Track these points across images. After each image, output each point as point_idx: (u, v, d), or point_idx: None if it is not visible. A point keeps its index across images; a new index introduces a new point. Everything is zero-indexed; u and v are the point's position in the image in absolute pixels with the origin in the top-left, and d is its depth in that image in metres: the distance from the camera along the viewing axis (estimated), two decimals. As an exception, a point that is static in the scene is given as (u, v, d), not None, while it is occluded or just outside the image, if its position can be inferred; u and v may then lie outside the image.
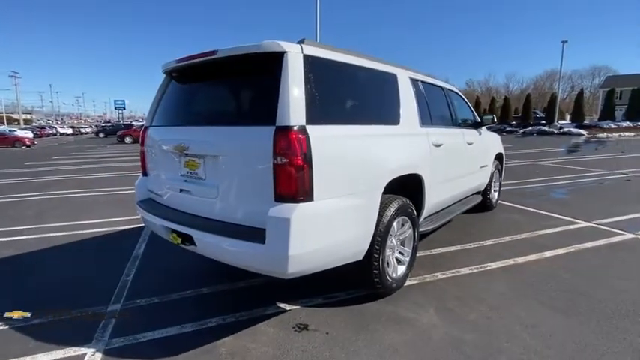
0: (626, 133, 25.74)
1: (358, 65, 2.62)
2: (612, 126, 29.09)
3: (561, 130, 27.43)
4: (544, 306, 2.65)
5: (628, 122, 29.39)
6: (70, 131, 47.60)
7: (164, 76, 2.93)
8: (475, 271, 3.28)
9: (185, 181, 2.52)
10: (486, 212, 5.28)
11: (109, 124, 42.64)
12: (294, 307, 2.69)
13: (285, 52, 2.07)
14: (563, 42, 29.56)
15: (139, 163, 3.13)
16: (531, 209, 5.46)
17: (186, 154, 2.46)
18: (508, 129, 29.75)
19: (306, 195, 1.98)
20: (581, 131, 26.58)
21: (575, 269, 3.27)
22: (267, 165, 2.01)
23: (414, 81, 3.30)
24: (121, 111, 58.17)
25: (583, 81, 73.66)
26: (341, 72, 2.45)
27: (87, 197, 6.97)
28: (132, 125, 31.98)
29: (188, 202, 2.51)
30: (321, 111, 2.13)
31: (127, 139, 25.96)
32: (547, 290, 2.88)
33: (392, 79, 2.98)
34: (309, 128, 2.01)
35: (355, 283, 2.89)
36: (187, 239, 2.35)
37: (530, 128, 29.53)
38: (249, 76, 2.34)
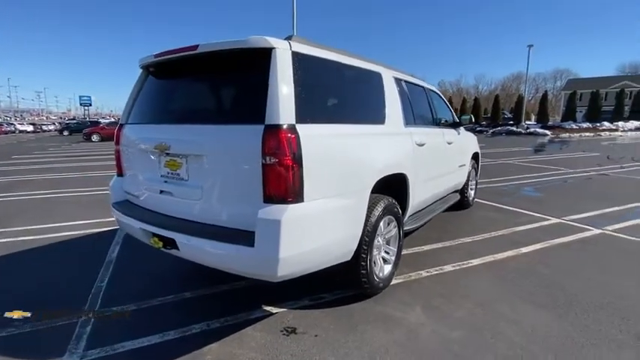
0: (587, 134, 27.25)
1: (345, 63, 2.59)
2: (574, 127, 30.71)
3: (528, 130, 28.66)
4: (525, 302, 2.72)
5: (588, 123, 31.14)
6: (30, 128, 44.96)
7: (140, 71, 2.79)
8: (457, 268, 3.34)
9: (165, 181, 2.39)
10: (464, 210, 5.41)
11: (74, 121, 40.51)
12: (281, 309, 2.63)
13: (274, 47, 2.01)
14: (530, 46, 30.90)
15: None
16: (505, 207, 5.64)
17: (167, 154, 2.34)
18: (479, 129, 30.75)
19: (297, 196, 1.93)
20: (546, 131, 27.89)
21: (551, 264, 3.39)
22: (256, 165, 1.94)
23: (398, 80, 3.32)
24: (86, 107, 55.45)
25: (546, 83, 77.48)
26: (329, 70, 2.41)
27: (53, 199, 6.57)
28: (99, 122, 30.52)
29: (169, 203, 2.39)
30: (309, 109, 2.08)
31: (94, 137, 24.80)
32: (526, 286, 2.97)
33: (377, 78, 2.98)
34: (299, 127, 1.96)
35: (342, 283, 2.86)
36: (169, 243, 2.24)
37: (499, 128, 30.69)
38: (234, 72, 2.25)
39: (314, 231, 2.06)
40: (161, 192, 2.41)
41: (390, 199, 2.79)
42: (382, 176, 2.61)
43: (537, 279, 3.09)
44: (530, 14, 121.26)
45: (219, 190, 2.16)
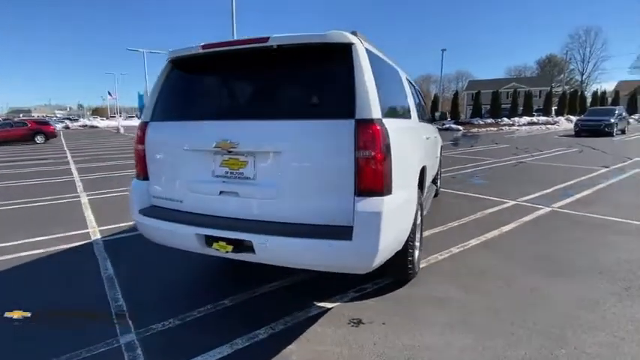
0: (491, 128, 31.25)
1: (386, 61, 2.70)
2: (480, 122, 34.98)
3: (444, 126, 31.79)
4: (532, 271, 3.16)
5: (491, 119, 35.76)
6: None
7: (168, 64, 2.53)
8: (462, 249, 3.70)
9: (224, 182, 2.24)
10: (434, 199, 5.92)
11: None
12: (334, 304, 2.66)
13: (353, 43, 2.04)
14: (443, 50, 34.40)
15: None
16: (464, 193, 6.30)
17: (230, 152, 2.19)
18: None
19: (388, 188, 1.99)
20: (459, 127, 31.28)
21: (532, 239, 3.95)
22: (347, 159, 1.96)
23: (407, 79, 3.54)
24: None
25: (451, 84, 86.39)
26: (381, 67, 2.49)
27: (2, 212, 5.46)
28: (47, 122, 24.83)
29: (233, 205, 2.24)
30: (382, 104, 2.15)
31: (39, 138, 20.75)
32: (525, 259, 3.43)
33: (399, 76, 3.15)
34: (384, 120, 2.02)
35: (379, 272, 2.98)
36: (242, 246, 2.11)
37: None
38: (310, 66, 2.21)
39: (395, 222, 2.14)
40: (221, 193, 2.25)
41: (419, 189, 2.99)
42: (420, 167, 2.79)
43: (529, 252, 3.58)
44: (434, 19, 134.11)
45: (301, 187, 2.11)
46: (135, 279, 3.15)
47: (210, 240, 2.21)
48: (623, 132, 20.37)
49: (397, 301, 2.69)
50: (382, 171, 1.96)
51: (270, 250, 2.04)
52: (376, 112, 1.98)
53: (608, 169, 8.58)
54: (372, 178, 1.95)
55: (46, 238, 4.20)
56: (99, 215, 5.16)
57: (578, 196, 5.95)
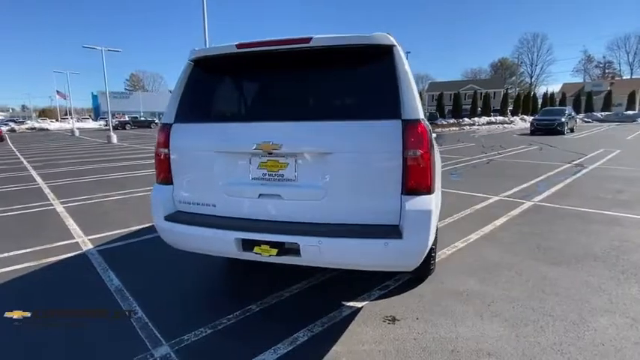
0: (453, 128, 32.72)
1: None
2: (444, 122, 36.52)
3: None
4: (536, 261, 3.37)
5: (453, 119, 37.48)
6: None
7: (190, 64, 2.44)
8: (466, 244, 3.86)
9: (263, 184, 2.20)
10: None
11: None
12: (363, 302, 2.68)
13: (395, 45, 2.07)
14: (407, 52, 35.52)
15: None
16: (449, 190, 6.56)
17: (270, 154, 2.15)
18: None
19: (432, 186, 2.05)
20: (424, 127, 32.46)
21: (525, 231, 4.21)
22: (395, 159, 1.99)
23: None
24: None
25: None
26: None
27: None
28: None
29: (274, 207, 2.20)
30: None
31: None
32: (525, 249, 3.64)
33: None
34: (424, 121, 2.08)
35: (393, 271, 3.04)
36: (288, 249, 2.08)
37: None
38: (353, 67, 2.22)
39: (435, 220, 2.20)
40: (260, 196, 2.20)
41: None
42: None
43: (527, 243, 3.82)
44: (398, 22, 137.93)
45: (347, 188, 2.11)
46: (146, 289, 2.99)
47: (249, 244, 2.15)
48: (572, 130, 22.10)
49: (421, 296, 2.77)
50: (429, 170, 2.02)
51: (321, 252, 2.03)
52: (420, 113, 2.03)
53: (569, 164, 9.29)
54: (419, 177, 2.00)
55: (31, 250, 3.87)
56: (83, 224, 4.82)
57: (553, 190, 6.40)
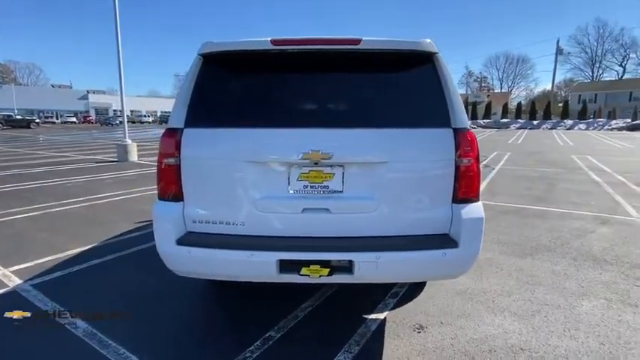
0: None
1: None
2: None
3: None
4: (507, 255, 3.74)
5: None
6: None
7: (203, 60, 2.07)
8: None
9: (305, 197, 1.97)
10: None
11: None
12: (383, 313, 2.63)
13: (437, 52, 2.06)
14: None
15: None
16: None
17: (316, 164, 1.94)
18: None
19: (479, 194, 2.09)
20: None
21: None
22: (448, 167, 1.98)
23: None
24: None
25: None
26: None
27: None
28: None
29: (322, 223, 1.99)
30: None
31: None
32: (493, 245, 4.02)
33: None
34: (472, 129, 2.11)
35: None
36: (339, 267, 1.90)
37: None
38: (400, 72, 2.11)
39: None
40: (304, 210, 1.96)
41: None
42: None
43: (487, 238, 4.22)
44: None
45: (399, 198, 2.01)
46: (130, 327, 2.46)
47: (293, 265, 1.92)
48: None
49: (432, 299, 2.83)
50: (478, 178, 2.06)
51: (377, 267, 1.90)
52: (467, 122, 2.06)
53: (481, 163, 10.65)
54: (470, 185, 2.02)
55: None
56: (-8, 253, 3.78)
57: (480, 188, 7.23)
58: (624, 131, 33.42)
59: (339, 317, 2.59)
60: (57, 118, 56.11)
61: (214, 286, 3.05)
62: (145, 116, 59.63)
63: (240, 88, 2.15)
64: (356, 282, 2.04)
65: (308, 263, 1.90)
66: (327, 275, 1.92)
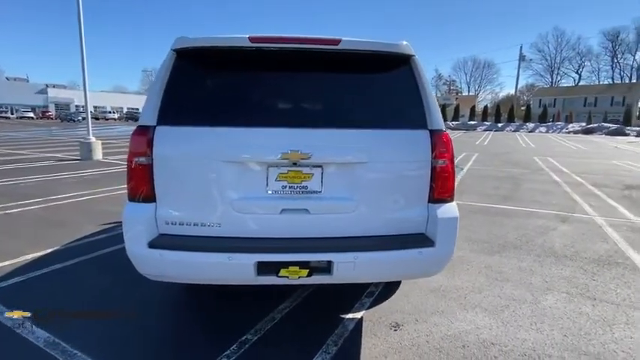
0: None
1: None
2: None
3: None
4: (476, 252, 3.87)
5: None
6: None
7: (176, 55, 1.99)
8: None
9: (283, 198, 1.94)
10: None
11: None
12: (360, 313, 2.65)
13: (413, 55, 2.09)
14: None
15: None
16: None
17: (294, 164, 1.91)
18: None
19: (454, 194, 2.14)
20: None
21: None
22: (424, 168, 2.01)
23: None
24: None
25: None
26: None
27: None
28: None
29: (300, 224, 1.96)
30: None
31: None
32: (462, 243, 4.15)
33: None
34: (447, 131, 2.16)
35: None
36: (318, 268, 1.89)
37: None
38: (377, 74, 2.12)
39: None
40: (283, 211, 1.93)
41: None
42: None
43: (460, 236, 4.36)
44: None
45: (376, 198, 2.02)
46: (99, 334, 2.33)
47: (272, 267, 1.89)
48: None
49: (407, 297, 2.89)
50: (453, 178, 2.11)
51: (355, 267, 1.90)
52: (443, 124, 2.11)
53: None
54: (445, 186, 2.07)
55: None
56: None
57: (452, 188, 7.46)
58: (580, 134, 35.64)
59: (317, 318, 2.58)
60: (12, 113, 52.52)
61: (187, 289, 2.96)
62: (110, 112, 56.98)
63: (215, 85, 2.10)
64: (334, 282, 2.04)
65: (287, 265, 1.88)
66: (307, 276, 1.90)
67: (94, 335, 2.35)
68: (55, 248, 3.79)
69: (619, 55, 68.83)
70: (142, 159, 1.94)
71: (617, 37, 66.90)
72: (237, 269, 1.88)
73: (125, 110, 66.76)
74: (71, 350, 2.17)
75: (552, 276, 3.32)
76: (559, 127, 41.61)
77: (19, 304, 2.66)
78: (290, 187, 1.97)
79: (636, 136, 31.33)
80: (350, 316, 2.61)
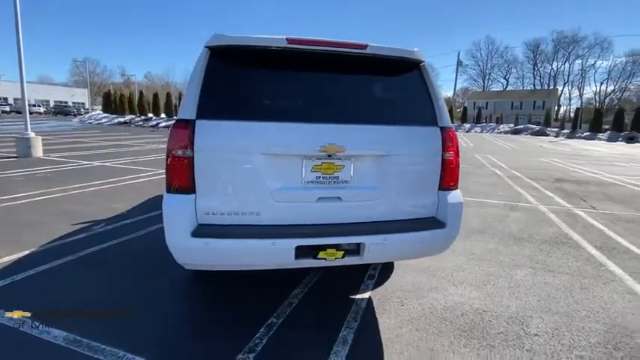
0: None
1: None
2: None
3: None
4: (450, 238, 4.33)
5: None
6: None
7: (213, 53, 2.06)
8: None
9: (319, 188, 2.12)
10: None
11: None
12: (366, 293, 2.90)
13: (423, 61, 2.38)
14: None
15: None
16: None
17: (329, 156, 2.09)
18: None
19: (458, 182, 2.47)
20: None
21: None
22: (436, 159, 2.31)
23: None
24: None
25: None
26: None
27: None
28: None
29: (334, 210, 2.14)
30: None
31: None
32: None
33: None
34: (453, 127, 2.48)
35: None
36: (351, 250, 2.10)
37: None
38: (396, 76, 2.37)
39: None
40: (319, 199, 2.10)
41: None
42: None
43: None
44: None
45: (397, 187, 2.27)
46: (133, 328, 2.32)
47: (310, 250, 2.06)
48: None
49: (404, 277, 3.20)
50: (457, 168, 2.44)
51: (384, 248, 2.15)
52: (450, 121, 2.43)
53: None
54: (452, 175, 2.39)
55: None
56: None
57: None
58: (509, 134, 39.45)
59: (330, 300, 2.79)
60: None
61: (197, 282, 3.01)
62: (35, 106, 51.16)
63: (252, 82, 2.21)
64: (362, 262, 2.27)
65: (325, 247, 2.07)
66: (341, 257, 2.11)
67: (121, 330, 2.33)
68: (32, 250, 3.55)
69: (539, 64, 77.34)
70: (183, 151, 2.00)
71: (538, 47, 75.10)
72: (280, 254, 2.04)
73: (52, 104, 60.50)
74: (98, 345, 2.15)
75: (516, 255, 3.86)
76: (492, 127, 45.64)
77: (20, 304, 2.53)
78: (323, 178, 2.16)
79: (555, 136, 35.55)
80: (359, 296, 2.86)
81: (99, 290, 2.85)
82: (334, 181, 2.19)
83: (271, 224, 2.12)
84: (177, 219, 2.01)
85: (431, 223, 2.34)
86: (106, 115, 37.50)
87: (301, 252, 2.07)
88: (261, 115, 2.13)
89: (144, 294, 2.82)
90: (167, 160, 2.04)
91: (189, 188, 2.04)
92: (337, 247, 2.10)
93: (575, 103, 69.01)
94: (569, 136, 33.77)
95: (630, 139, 29.32)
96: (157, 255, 3.39)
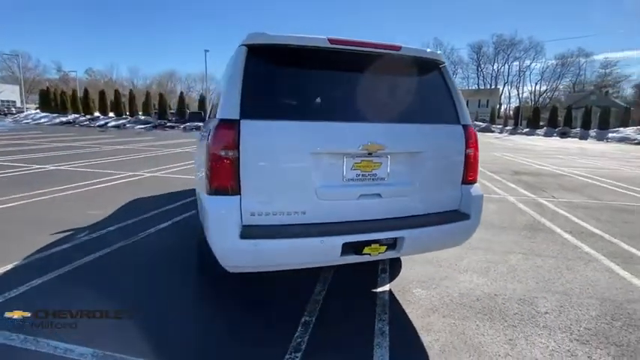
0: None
1: None
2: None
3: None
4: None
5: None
6: None
7: (251, 52, 2.02)
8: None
9: (359, 185, 2.17)
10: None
11: None
12: (385, 287, 3.01)
13: (444, 63, 2.52)
14: (206, 50, 35.27)
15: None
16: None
17: (370, 154, 2.14)
18: (169, 124, 31.13)
19: (477, 177, 2.65)
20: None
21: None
22: (460, 156, 2.46)
23: None
24: None
25: (196, 84, 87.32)
26: None
27: None
28: None
29: (374, 206, 2.21)
30: None
31: None
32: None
33: None
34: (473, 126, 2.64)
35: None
36: (390, 244, 2.19)
37: (188, 124, 32.48)
38: (424, 76, 2.47)
39: None
40: (360, 197, 2.15)
41: None
42: None
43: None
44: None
45: (428, 182, 2.38)
46: (158, 336, 2.20)
47: (355, 246, 2.11)
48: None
49: (413, 269, 3.36)
50: (477, 164, 2.61)
51: (421, 241, 2.26)
52: (470, 119, 2.59)
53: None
54: (473, 170, 2.56)
55: None
56: None
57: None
58: (459, 131, 41.95)
59: (354, 294, 2.87)
60: None
61: (216, 287, 2.93)
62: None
63: (294, 81, 2.22)
64: (398, 256, 2.37)
65: (370, 243, 2.14)
66: (384, 252, 2.19)
67: (164, 341, 2.22)
68: (16, 263, 3.23)
69: (482, 65, 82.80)
70: (228, 152, 1.95)
71: (480, 49, 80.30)
72: (328, 251, 2.07)
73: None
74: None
75: (505, 242, 4.19)
76: (443, 125, 48.22)
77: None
78: (362, 175, 2.22)
79: (499, 132, 38.37)
80: (380, 289, 2.96)
81: (120, 296, 2.68)
82: (372, 178, 2.26)
83: (316, 222, 2.14)
84: (225, 221, 1.96)
85: (458, 215, 2.50)
86: (45, 114, 34.24)
87: (347, 248, 2.12)
88: (305, 114, 2.15)
89: (169, 303, 2.69)
90: (209, 161, 1.98)
91: (234, 189, 1.99)
92: (379, 242, 2.18)
93: (514, 102, 74.80)
94: (512, 132, 36.60)
95: (563, 134, 32.58)
96: (164, 262, 3.25)
